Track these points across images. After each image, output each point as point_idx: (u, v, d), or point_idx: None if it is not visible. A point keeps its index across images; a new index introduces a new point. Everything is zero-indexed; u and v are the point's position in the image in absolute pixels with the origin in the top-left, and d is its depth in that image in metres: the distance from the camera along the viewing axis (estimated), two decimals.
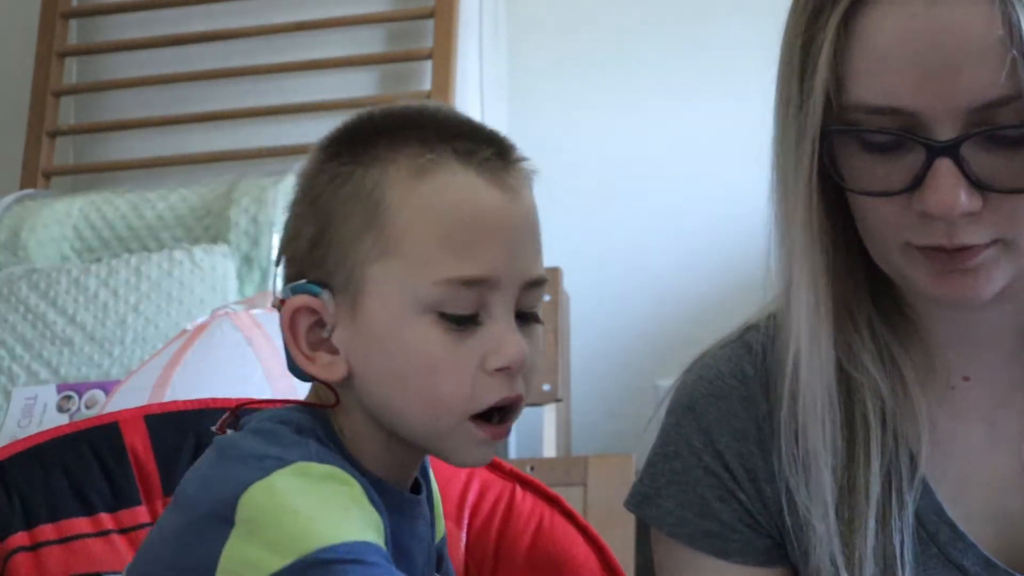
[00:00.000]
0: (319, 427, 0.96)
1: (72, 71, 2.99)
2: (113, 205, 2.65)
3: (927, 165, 0.94)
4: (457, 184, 0.95)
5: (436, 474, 1.07)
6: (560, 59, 2.95)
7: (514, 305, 0.96)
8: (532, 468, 2.33)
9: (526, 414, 2.77)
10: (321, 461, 0.92)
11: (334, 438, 0.97)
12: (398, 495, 0.98)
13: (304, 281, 0.97)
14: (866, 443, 1.04)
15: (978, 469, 1.08)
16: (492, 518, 1.25)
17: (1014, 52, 0.91)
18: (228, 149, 2.80)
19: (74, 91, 2.97)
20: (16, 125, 2.94)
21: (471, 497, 1.25)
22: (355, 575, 0.84)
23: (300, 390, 1.04)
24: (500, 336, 0.95)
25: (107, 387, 2.34)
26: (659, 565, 1.15)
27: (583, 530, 1.24)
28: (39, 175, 2.88)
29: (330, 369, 0.97)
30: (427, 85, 2.72)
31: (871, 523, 1.03)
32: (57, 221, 2.64)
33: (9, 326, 2.47)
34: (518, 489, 1.26)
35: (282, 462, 0.90)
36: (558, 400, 2.60)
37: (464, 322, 0.94)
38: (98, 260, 2.59)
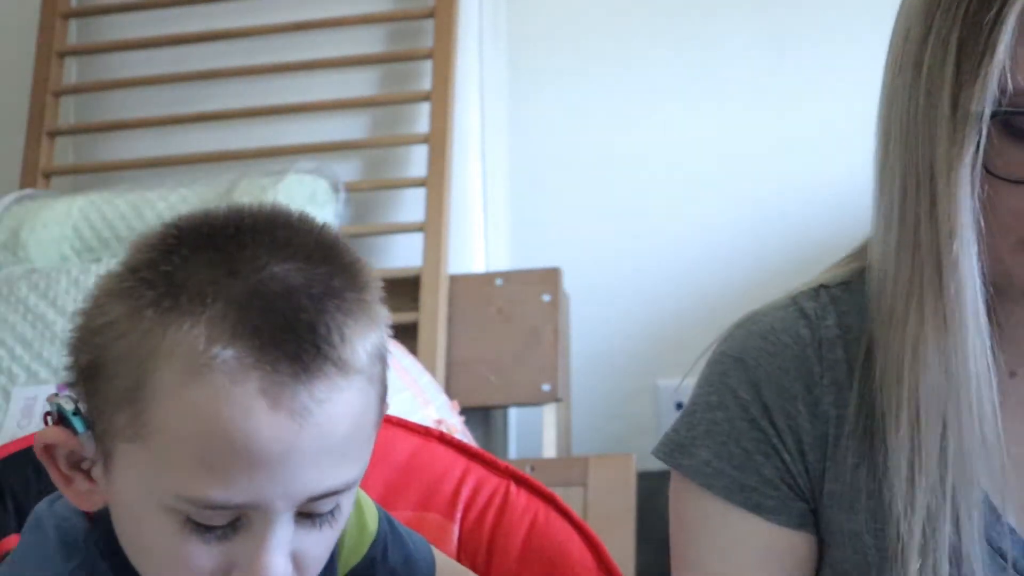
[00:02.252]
0: (98, 534, 0.90)
1: (72, 71, 2.98)
2: (113, 205, 2.65)
3: None
4: (229, 401, 0.81)
5: (429, 470, 1.07)
6: (560, 59, 2.94)
7: (284, 522, 0.84)
8: (532, 468, 2.33)
9: (526, 414, 2.77)
10: None
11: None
12: None
13: (72, 409, 0.87)
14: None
15: (1018, 460, 1.08)
16: (486, 513, 1.24)
17: None
18: (228, 149, 2.80)
19: (74, 91, 2.97)
20: (16, 125, 2.93)
21: (465, 492, 1.25)
22: None
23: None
24: (252, 556, 0.84)
25: None
26: (681, 519, 1.12)
27: (578, 527, 1.24)
28: (39, 175, 2.87)
29: (86, 498, 0.89)
30: (427, 85, 2.72)
31: (947, 513, 1.03)
32: (57, 221, 2.64)
33: (9, 326, 2.46)
34: (512, 486, 1.26)
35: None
36: (558, 400, 2.59)
37: (216, 530, 0.84)
38: (98, 260, 2.58)
